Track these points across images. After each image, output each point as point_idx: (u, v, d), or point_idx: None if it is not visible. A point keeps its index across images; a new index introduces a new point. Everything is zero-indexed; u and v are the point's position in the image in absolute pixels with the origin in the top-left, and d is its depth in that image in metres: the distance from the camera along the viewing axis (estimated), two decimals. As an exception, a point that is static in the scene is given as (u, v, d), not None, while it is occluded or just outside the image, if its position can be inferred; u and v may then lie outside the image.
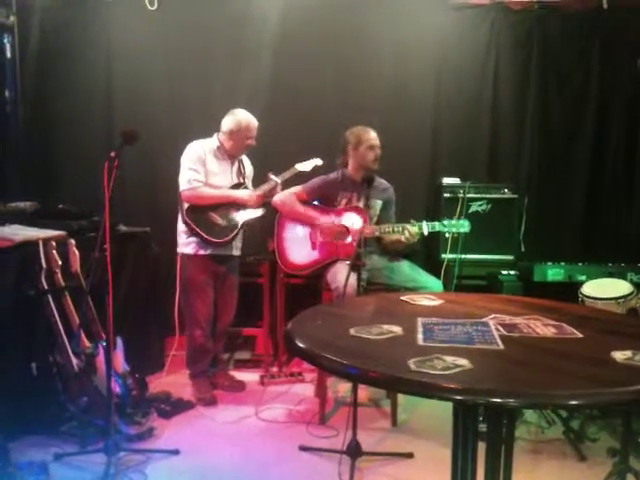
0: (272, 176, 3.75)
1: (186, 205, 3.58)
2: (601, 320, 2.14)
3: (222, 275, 3.77)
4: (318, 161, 3.91)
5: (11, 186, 4.13)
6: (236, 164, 3.80)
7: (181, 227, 3.67)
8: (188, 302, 3.70)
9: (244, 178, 3.81)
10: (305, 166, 3.87)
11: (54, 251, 3.10)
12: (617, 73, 4.57)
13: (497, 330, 1.83)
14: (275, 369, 4.21)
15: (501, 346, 1.68)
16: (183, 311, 3.78)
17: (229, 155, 3.74)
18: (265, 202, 3.74)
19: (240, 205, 3.67)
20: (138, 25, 4.53)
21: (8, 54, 4.27)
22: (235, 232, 3.65)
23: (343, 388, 3.90)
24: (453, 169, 4.55)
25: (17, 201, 3.70)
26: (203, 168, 3.61)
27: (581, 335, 1.81)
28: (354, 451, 2.86)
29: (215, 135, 3.74)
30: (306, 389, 3.93)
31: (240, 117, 3.68)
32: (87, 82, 4.55)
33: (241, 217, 3.67)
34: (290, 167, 3.85)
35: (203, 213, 3.59)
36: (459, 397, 1.40)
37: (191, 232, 3.58)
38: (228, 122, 3.68)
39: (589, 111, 4.61)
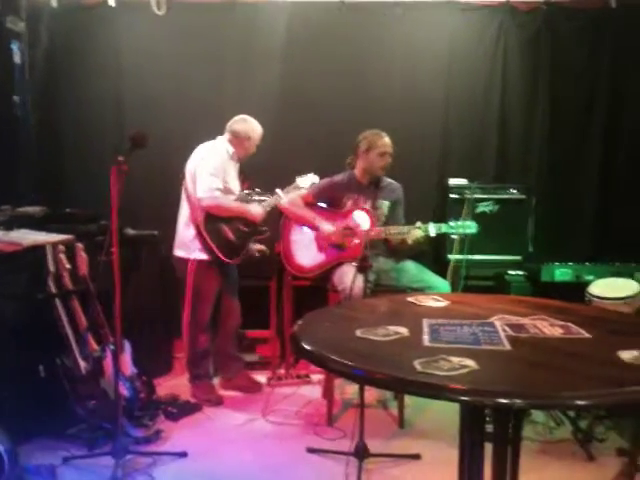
0: (278, 191, 3.78)
1: (203, 215, 3.57)
2: (608, 320, 2.13)
3: (227, 277, 3.78)
4: (314, 178, 3.90)
5: (20, 190, 4.15)
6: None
7: (192, 233, 3.63)
8: (197, 307, 3.69)
9: (245, 181, 3.85)
10: (304, 181, 3.88)
11: (62, 255, 3.11)
12: (627, 72, 4.53)
13: (504, 331, 1.83)
14: (282, 371, 4.21)
15: (508, 347, 1.68)
16: (189, 315, 3.76)
17: (238, 159, 3.79)
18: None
19: (249, 221, 3.70)
20: (147, 30, 4.54)
21: (18, 60, 4.28)
22: (243, 254, 3.70)
23: (350, 390, 3.89)
24: (462, 170, 4.53)
25: (26, 205, 3.72)
26: (223, 175, 3.63)
27: (588, 335, 1.81)
28: (361, 452, 2.85)
29: (224, 139, 3.75)
30: (313, 391, 3.92)
31: (255, 126, 3.76)
32: (96, 87, 4.56)
33: (247, 238, 3.72)
34: (292, 182, 3.87)
35: (218, 227, 3.61)
36: (465, 398, 1.40)
37: (203, 245, 3.59)
38: (246, 129, 3.72)
39: (598, 111, 4.59)
